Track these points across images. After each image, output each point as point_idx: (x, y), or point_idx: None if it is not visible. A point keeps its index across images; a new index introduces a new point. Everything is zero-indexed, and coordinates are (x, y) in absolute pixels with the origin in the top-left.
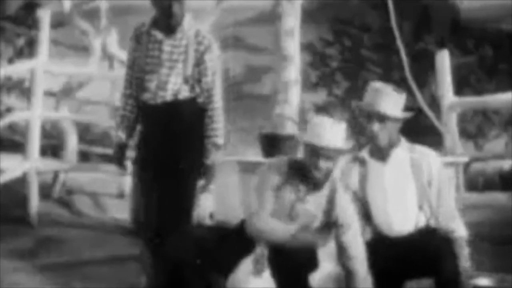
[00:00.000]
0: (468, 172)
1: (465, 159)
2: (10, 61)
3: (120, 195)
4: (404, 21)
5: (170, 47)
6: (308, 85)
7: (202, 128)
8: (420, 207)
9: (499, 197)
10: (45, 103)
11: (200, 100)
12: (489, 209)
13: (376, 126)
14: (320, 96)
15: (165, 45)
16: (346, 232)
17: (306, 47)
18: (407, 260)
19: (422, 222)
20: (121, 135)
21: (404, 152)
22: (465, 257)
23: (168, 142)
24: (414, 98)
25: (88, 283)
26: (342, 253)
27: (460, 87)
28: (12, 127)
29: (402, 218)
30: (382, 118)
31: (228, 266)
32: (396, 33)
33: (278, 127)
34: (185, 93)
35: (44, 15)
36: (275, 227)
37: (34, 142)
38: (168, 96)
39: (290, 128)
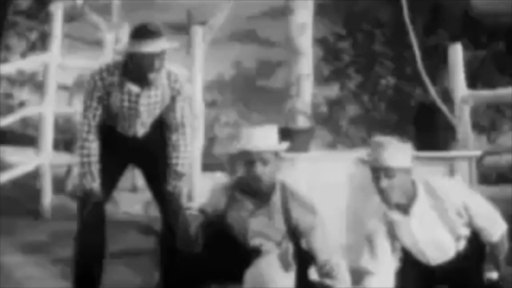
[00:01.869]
0: (481, 166)
1: (478, 153)
2: (23, 55)
3: (133, 189)
4: (416, 15)
5: (147, 99)
6: (321, 79)
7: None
8: (457, 238)
9: None
10: (58, 97)
11: (167, 131)
12: (502, 202)
13: (384, 183)
14: (333, 90)
15: (142, 98)
16: (311, 236)
17: (319, 42)
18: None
19: (461, 246)
20: (94, 184)
21: (425, 204)
22: (502, 263)
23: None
24: (427, 92)
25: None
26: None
27: (473, 81)
28: (25, 121)
29: (437, 254)
30: (389, 173)
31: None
32: (409, 28)
33: (291, 121)
34: (155, 127)
35: (57, 9)
36: None
37: (47, 136)
38: (140, 133)
39: (302, 122)
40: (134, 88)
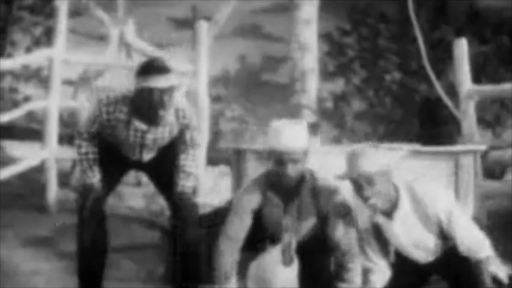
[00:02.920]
0: (486, 161)
1: (482, 147)
2: (28, 50)
3: (137, 184)
4: (421, 10)
5: (154, 135)
6: (326, 74)
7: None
8: (443, 238)
9: None
10: (63, 92)
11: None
12: (506, 197)
13: (368, 191)
14: (338, 85)
15: (149, 134)
16: (350, 260)
17: (324, 37)
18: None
19: (450, 243)
20: (94, 179)
21: (407, 208)
22: (485, 282)
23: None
24: (432, 87)
25: (106, 271)
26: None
27: (478, 75)
28: (30, 116)
29: (425, 254)
30: (370, 180)
31: None
32: (414, 22)
33: (296, 116)
34: (163, 150)
35: (62, 5)
36: None
37: (52, 130)
38: (146, 158)
39: (307, 117)
40: (141, 125)
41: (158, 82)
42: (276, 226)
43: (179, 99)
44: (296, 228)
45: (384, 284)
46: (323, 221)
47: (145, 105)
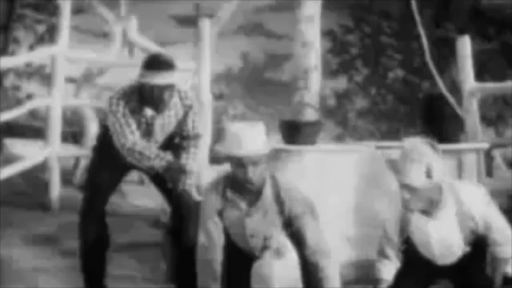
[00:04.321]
0: (489, 158)
1: (485, 145)
2: (31, 47)
3: (140, 182)
4: (424, 7)
5: (162, 120)
6: (328, 72)
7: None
8: (467, 242)
9: None
10: (66, 90)
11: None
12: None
13: (407, 195)
14: (340, 83)
15: (158, 119)
16: (321, 257)
17: (326, 34)
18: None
19: (468, 248)
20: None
21: (451, 211)
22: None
23: None
24: (435, 85)
25: (108, 268)
26: (311, 274)
27: (481, 73)
28: (33, 114)
29: (446, 255)
30: (412, 189)
31: None
32: (417, 19)
33: (298, 113)
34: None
35: (65, 2)
36: None
37: (55, 128)
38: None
39: (310, 115)
40: (150, 111)
41: (159, 79)
42: (239, 231)
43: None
44: (264, 231)
45: (391, 276)
46: (288, 222)
47: (148, 97)
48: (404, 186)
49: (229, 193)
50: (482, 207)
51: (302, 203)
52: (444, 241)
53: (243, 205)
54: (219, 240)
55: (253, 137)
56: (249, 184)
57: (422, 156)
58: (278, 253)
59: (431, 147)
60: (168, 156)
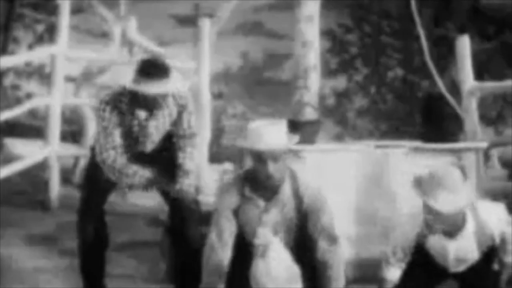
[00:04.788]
0: (488, 158)
1: (484, 144)
2: (30, 47)
3: None
4: (423, 6)
5: (156, 121)
6: (328, 72)
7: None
8: (481, 254)
9: None
10: (65, 89)
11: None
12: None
13: (430, 217)
14: (340, 82)
15: (151, 121)
16: (333, 247)
17: (326, 34)
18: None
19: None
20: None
21: (471, 231)
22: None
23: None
24: (434, 84)
25: (107, 268)
26: (319, 272)
27: (480, 72)
28: (32, 113)
29: (460, 266)
30: (437, 214)
31: None
32: (416, 19)
33: (298, 113)
34: (163, 141)
35: (64, 2)
36: None
37: (55, 127)
38: (148, 148)
39: (309, 114)
40: (142, 113)
41: (152, 88)
42: (253, 228)
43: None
44: (281, 228)
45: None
46: (304, 218)
47: (141, 102)
48: (430, 210)
49: (247, 191)
50: (501, 225)
51: (320, 201)
52: (461, 257)
53: (260, 202)
54: (230, 240)
55: (274, 133)
56: (269, 180)
57: (454, 184)
58: (263, 252)
59: (462, 174)
60: (147, 173)
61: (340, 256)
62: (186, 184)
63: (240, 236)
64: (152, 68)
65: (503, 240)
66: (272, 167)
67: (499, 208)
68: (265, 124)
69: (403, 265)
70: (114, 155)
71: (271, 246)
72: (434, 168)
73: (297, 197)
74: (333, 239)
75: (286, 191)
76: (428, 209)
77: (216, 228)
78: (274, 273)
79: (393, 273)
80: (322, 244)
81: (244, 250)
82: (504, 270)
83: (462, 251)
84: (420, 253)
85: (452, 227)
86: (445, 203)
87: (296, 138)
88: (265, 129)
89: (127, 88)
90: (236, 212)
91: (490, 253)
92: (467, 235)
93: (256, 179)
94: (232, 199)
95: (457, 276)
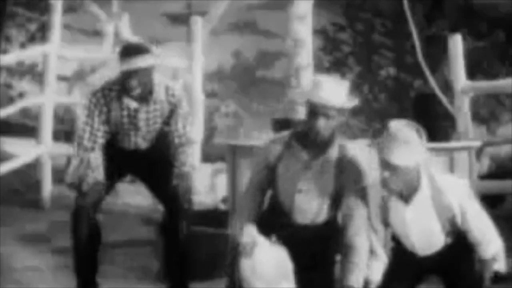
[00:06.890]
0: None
1: (477, 143)
2: (23, 46)
3: (132, 180)
4: (416, 5)
5: (146, 114)
6: (320, 70)
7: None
8: (447, 233)
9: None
10: (58, 88)
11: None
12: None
13: (387, 174)
14: None
15: (141, 113)
16: (361, 241)
17: (318, 32)
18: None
19: (450, 240)
20: (99, 176)
21: (426, 194)
22: (488, 278)
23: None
24: (427, 83)
25: (100, 267)
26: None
27: (473, 71)
28: (25, 112)
29: (426, 245)
30: (393, 168)
31: None
32: (409, 18)
33: (290, 111)
34: (158, 141)
35: (56, 0)
36: None
37: (47, 126)
38: (142, 146)
39: (302, 113)
40: (132, 103)
41: (129, 64)
42: (290, 182)
43: (168, 80)
44: (315, 191)
45: (380, 274)
46: (339, 191)
47: (127, 86)
48: (386, 165)
49: (293, 141)
50: (459, 197)
51: (360, 178)
52: (422, 230)
53: (304, 154)
54: (258, 193)
55: (333, 90)
56: (317, 136)
57: (408, 137)
58: (250, 251)
59: (416, 131)
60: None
61: (366, 258)
62: (181, 186)
63: (273, 197)
64: (131, 48)
65: (467, 223)
66: (322, 123)
67: (459, 180)
68: (328, 80)
69: (385, 258)
70: (87, 155)
71: (258, 245)
72: (390, 124)
73: (340, 167)
74: (363, 239)
75: (332, 156)
76: (385, 165)
77: (252, 177)
78: (262, 272)
79: (377, 269)
80: (351, 242)
81: (278, 210)
82: (485, 268)
83: (420, 219)
84: (395, 249)
85: (407, 186)
86: (400, 155)
87: (356, 101)
88: (326, 84)
89: (116, 78)
90: (275, 166)
91: (465, 244)
92: (422, 198)
93: (305, 133)
94: (277, 147)
95: (437, 271)
